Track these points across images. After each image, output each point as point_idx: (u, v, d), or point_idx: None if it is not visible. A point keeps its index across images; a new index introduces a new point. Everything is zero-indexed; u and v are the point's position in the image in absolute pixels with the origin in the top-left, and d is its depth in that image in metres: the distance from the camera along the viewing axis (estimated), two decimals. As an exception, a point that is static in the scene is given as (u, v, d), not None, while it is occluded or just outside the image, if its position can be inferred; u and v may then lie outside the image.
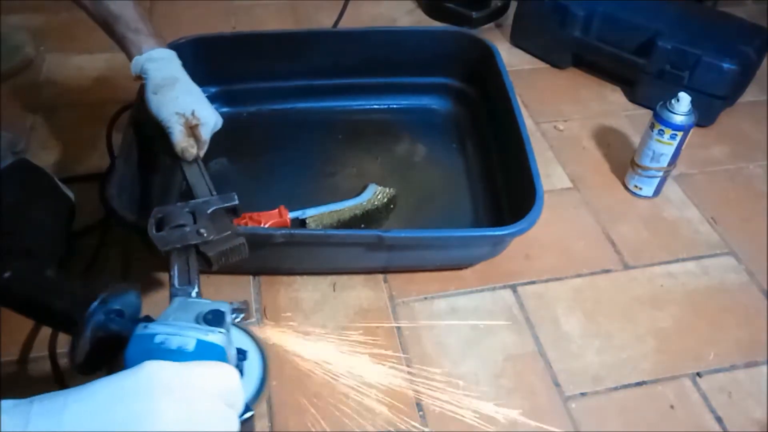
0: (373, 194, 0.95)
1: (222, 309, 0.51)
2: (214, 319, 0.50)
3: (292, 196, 0.95)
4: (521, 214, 0.78)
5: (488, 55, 1.05)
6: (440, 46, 1.11)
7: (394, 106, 1.16)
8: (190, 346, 0.47)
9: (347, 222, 0.91)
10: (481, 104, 1.11)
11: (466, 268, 0.89)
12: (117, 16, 0.80)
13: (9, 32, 1.23)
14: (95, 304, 0.52)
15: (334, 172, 1.02)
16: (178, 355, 0.46)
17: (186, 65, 0.88)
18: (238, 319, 0.62)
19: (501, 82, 0.99)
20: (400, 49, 1.10)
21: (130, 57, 0.82)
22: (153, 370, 0.42)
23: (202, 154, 0.84)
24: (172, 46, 0.91)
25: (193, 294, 0.61)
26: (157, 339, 0.47)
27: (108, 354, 0.52)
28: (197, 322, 0.50)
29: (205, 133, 0.83)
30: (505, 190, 0.96)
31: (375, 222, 0.93)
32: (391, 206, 0.95)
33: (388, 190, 0.96)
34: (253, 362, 0.56)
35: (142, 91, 0.85)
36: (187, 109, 0.82)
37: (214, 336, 0.48)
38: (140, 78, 0.83)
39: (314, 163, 1.04)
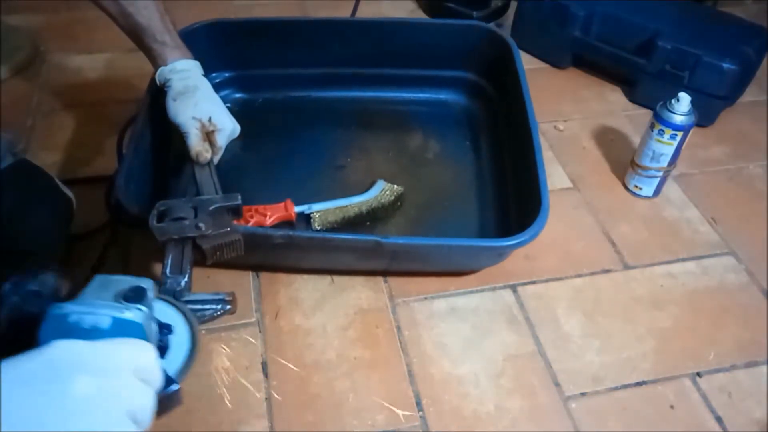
0: (381, 191, 0.95)
1: (143, 285, 0.50)
2: (135, 296, 0.49)
3: (300, 187, 0.95)
4: (526, 222, 0.78)
5: (506, 52, 1.05)
6: (459, 39, 1.10)
7: (410, 98, 1.15)
8: (105, 323, 0.46)
9: (352, 219, 0.91)
10: (496, 101, 1.11)
11: (469, 274, 0.89)
12: (144, 28, 0.82)
13: (9, 32, 1.23)
14: (7, 285, 0.51)
15: (344, 165, 1.02)
16: (92, 333, 0.45)
17: (201, 50, 0.89)
18: (221, 312, 0.63)
19: (517, 81, 0.98)
20: (418, 41, 1.10)
21: (155, 67, 0.85)
22: (60, 349, 0.41)
23: (216, 160, 0.85)
24: (188, 31, 0.91)
25: (182, 283, 0.62)
26: (71, 318, 0.46)
27: (29, 336, 0.50)
28: (116, 299, 0.49)
29: (221, 140, 0.85)
30: (513, 195, 0.95)
31: (381, 220, 0.93)
32: (398, 204, 0.95)
33: (395, 188, 0.96)
34: (180, 335, 0.56)
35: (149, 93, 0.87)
36: (204, 114, 0.84)
37: (131, 313, 0.47)
38: (164, 87, 0.85)
39: (325, 153, 1.04)
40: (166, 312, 0.57)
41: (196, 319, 0.57)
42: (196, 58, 0.88)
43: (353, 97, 1.14)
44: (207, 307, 0.64)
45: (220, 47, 1.05)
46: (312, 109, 1.12)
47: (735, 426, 0.74)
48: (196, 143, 0.82)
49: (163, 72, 0.85)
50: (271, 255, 0.84)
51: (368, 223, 0.92)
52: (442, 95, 1.15)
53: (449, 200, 0.98)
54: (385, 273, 0.88)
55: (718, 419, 0.75)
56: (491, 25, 1.13)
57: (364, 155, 1.04)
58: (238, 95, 1.12)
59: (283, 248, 0.78)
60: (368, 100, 1.14)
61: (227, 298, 0.64)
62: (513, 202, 0.94)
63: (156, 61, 0.85)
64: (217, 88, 1.10)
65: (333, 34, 1.09)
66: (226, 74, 1.10)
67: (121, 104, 1.10)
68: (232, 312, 0.65)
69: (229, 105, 1.09)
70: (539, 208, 0.79)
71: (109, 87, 1.18)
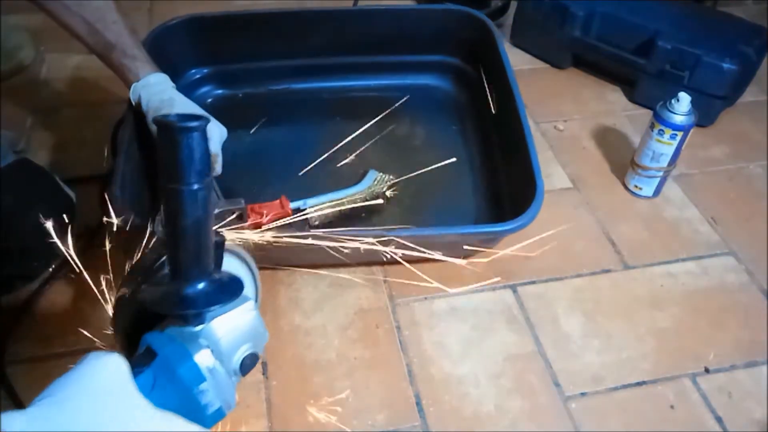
0: (374, 181, 0.95)
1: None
2: None
3: (291, 182, 0.95)
4: (521, 203, 0.79)
5: (486, 33, 1.05)
6: (438, 23, 1.10)
7: (393, 85, 1.15)
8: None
9: (348, 211, 0.92)
10: (480, 84, 1.11)
11: (465, 258, 0.89)
12: (113, 45, 0.82)
13: (9, 32, 1.23)
14: None
15: (334, 157, 1.02)
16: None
17: (178, 46, 0.88)
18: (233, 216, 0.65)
19: (500, 63, 0.99)
20: (397, 28, 1.10)
21: (128, 84, 0.85)
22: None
23: (219, 168, 0.84)
24: (164, 28, 0.90)
25: None
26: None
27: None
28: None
29: (214, 147, 0.84)
30: (504, 176, 0.97)
31: (376, 210, 0.93)
32: (392, 193, 0.96)
33: (387, 177, 0.96)
34: (246, 283, 0.57)
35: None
36: None
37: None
38: (139, 104, 0.84)
39: (313, 146, 1.03)
40: (230, 263, 0.57)
41: (256, 267, 0.60)
42: (173, 55, 0.87)
43: (336, 87, 1.14)
44: None
45: (197, 43, 1.04)
46: (295, 101, 1.12)
47: (735, 426, 0.74)
48: None
49: (136, 88, 0.84)
50: (274, 253, 0.84)
51: (363, 214, 0.93)
52: (425, 80, 1.16)
53: (441, 186, 0.98)
54: (382, 263, 0.88)
55: (718, 419, 0.75)
56: (469, 9, 1.12)
57: (353, 146, 1.04)
58: (218, 91, 1.11)
59: (286, 246, 0.78)
60: (351, 89, 1.14)
61: (239, 206, 0.65)
62: (505, 183, 0.96)
63: (127, 77, 0.84)
64: (196, 84, 1.08)
65: (312, 24, 1.08)
66: (205, 70, 1.09)
67: (120, 103, 1.09)
68: (241, 223, 0.66)
69: (210, 100, 1.07)
70: (535, 189, 0.80)
71: (108, 86, 1.17)
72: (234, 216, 0.74)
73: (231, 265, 0.58)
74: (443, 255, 0.87)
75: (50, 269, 0.84)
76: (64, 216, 0.81)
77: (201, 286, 0.47)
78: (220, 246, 0.53)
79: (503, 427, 0.73)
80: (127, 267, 0.55)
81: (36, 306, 0.82)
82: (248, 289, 0.59)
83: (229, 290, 0.49)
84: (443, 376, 0.77)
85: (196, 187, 0.43)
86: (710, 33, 1.14)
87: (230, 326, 0.49)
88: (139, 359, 0.46)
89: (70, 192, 0.84)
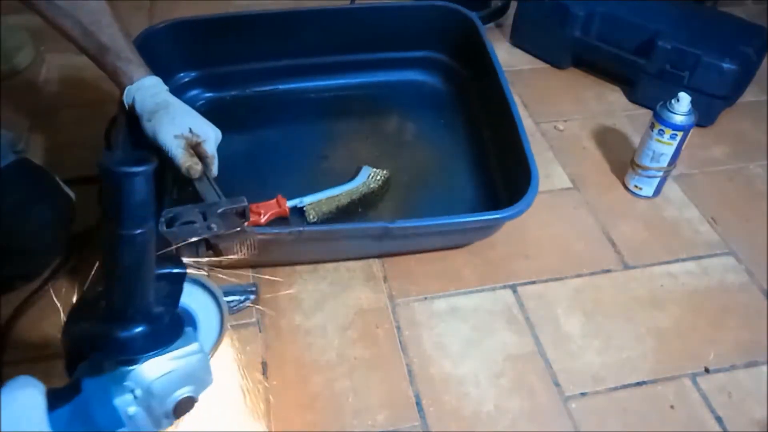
0: (368, 177, 0.96)
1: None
2: None
3: (287, 181, 0.95)
4: (517, 191, 0.79)
5: (471, 28, 1.06)
6: (423, 20, 1.11)
7: (379, 82, 1.16)
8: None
9: (345, 207, 0.92)
10: (466, 78, 1.12)
11: (462, 247, 0.89)
12: (108, 47, 0.81)
13: (9, 32, 1.23)
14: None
15: (327, 155, 1.02)
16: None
17: (165, 51, 0.87)
18: (247, 302, 0.63)
19: (487, 57, 1.00)
20: (383, 25, 1.10)
21: (121, 87, 0.84)
22: None
23: (215, 170, 0.84)
24: (151, 32, 0.90)
25: None
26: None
27: None
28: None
29: (210, 149, 0.84)
30: (498, 166, 0.97)
31: (371, 205, 0.94)
32: (386, 188, 0.96)
33: (381, 172, 0.97)
34: (209, 316, 0.56)
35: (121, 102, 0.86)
36: (185, 128, 0.82)
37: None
38: (132, 107, 0.84)
39: (305, 145, 1.04)
40: (190, 294, 0.56)
41: (224, 299, 0.58)
42: (160, 60, 0.86)
43: (324, 86, 1.14)
44: (231, 298, 0.64)
45: (184, 47, 1.04)
46: (284, 101, 1.12)
47: (735, 426, 0.74)
48: (184, 159, 0.80)
49: (130, 91, 0.83)
50: (277, 251, 0.84)
51: (360, 209, 0.93)
52: (412, 75, 1.16)
53: (434, 178, 0.99)
54: (380, 255, 0.88)
55: (718, 419, 0.75)
56: (454, 4, 1.12)
57: (344, 143, 1.05)
58: (207, 94, 1.11)
59: (290, 244, 0.78)
60: (339, 87, 1.15)
61: (251, 289, 0.64)
62: (499, 174, 0.96)
63: (121, 80, 0.83)
64: (184, 88, 1.08)
65: (297, 24, 1.08)
66: (193, 74, 1.09)
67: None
68: (255, 303, 0.65)
69: (202, 102, 1.07)
70: (529, 176, 0.80)
71: (108, 86, 1.16)
72: (236, 214, 0.74)
73: (194, 297, 0.56)
74: (441, 248, 0.88)
75: (50, 269, 0.84)
76: (64, 216, 0.82)
77: (137, 330, 0.45)
78: (179, 279, 0.51)
79: (503, 427, 0.73)
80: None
81: (36, 306, 0.82)
82: (209, 325, 0.57)
83: (167, 335, 0.47)
84: (443, 376, 0.77)
85: (136, 232, 0.42)
86: (710, 33, 1.14)
87: (165, 369, 0.46)
88: (63, 391, 0.45)
89: (70, 192, 0.84)
